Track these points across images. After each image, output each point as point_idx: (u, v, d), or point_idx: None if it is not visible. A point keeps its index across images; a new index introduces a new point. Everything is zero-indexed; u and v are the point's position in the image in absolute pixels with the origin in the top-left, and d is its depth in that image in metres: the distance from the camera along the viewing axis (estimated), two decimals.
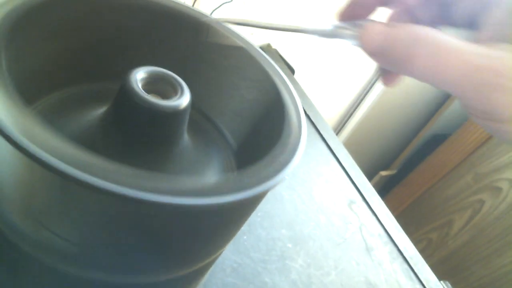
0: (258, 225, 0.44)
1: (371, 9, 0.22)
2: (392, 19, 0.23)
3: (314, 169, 0.57)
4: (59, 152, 0.16)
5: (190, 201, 0.18)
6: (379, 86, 1.05)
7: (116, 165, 0.17)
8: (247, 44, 0.32)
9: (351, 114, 1.11)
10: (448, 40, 0.16)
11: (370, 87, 1.06)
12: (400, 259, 0.52)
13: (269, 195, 0.48)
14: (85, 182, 0.16)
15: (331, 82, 0.99)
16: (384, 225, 0.55)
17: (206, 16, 0.32)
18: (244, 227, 0.42)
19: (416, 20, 0.22)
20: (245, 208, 0.24)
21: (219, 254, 0.30)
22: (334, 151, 0.62)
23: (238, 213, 0.24)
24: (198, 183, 0.20)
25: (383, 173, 1.43)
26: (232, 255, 0.39)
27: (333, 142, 0.64)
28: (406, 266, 0.52)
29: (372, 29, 0.19)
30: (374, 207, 0.57)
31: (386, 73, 0.23)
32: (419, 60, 0.17)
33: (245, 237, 0.41)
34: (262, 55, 0.32)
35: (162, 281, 0.26)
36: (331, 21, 0.22)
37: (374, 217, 0.56)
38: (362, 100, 1.08)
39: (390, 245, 0.53)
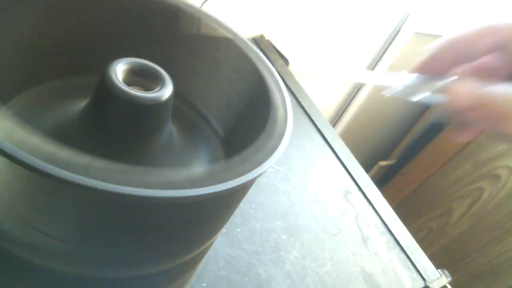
0: (252, 217, 0.43)
1: (448, 67, 0.22)
2: (464, 74, 0.23)
3: (309, 160, 0.56)
4: (38, 150, 0.16)
5: (172, 193, 0.18)
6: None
7: (97, 160, 0.17)
8: (235, 35, 0.32)
9: (348, 105, 1.10)
10: None
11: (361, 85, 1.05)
12: (397, 248, 0.52)
13: (262, 187, 0.48)
14: (62, 178, 0.16)
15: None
16: (381, 215, 0.55)
17: (195, 8, 0.32)
18: (237, 219, 0.42)
19: (489, 76, 0.22)
20: (231, 198, 0.24)
21: (210, 245, 0.29)
22: (330, 142, 0.62)
23: (224, 204, 0.24)
24: (181, 175, 0.20)
25: (382, 163, 1.42)
26: (226, 248, 0.39)
27: (329, 133, 0.63)
28: (403, 255, 0.51)
29: (465, 86, 0.19)
30: (371, 197, 0.56)
31: (462, 129, 0.23)
32: None
33: (238, 229, 0.41)
34: (249, 45, 0.31)
35: (154, 273, 0.26)
36: (412, 74, 0.22)
37: (370, 207, 0.55)
38: (358, 90, 1.07)
39: (387, 235, 0.53)
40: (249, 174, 0.20)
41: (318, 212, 0.49)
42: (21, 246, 0.22)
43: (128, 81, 0.24)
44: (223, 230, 0.32)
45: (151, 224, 0.21)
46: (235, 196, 0.24)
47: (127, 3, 0.30)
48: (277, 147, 0.22)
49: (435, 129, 1.25)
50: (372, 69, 1.03)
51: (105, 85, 0.23)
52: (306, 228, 0.46)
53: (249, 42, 0.32)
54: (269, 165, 0.21)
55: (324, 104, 1.06)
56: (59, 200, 0.19)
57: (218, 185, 0.18)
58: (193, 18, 0.32)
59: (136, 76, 0.24)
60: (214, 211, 0.24)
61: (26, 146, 0.16)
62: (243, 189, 0.23)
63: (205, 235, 0.26)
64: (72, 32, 0.28)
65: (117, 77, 0.23)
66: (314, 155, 0.58)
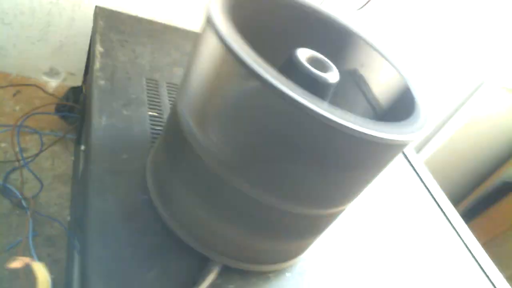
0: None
1: None
2: None
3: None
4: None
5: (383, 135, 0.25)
6: (451, 125, 1.06)
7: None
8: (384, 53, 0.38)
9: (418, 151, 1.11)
10: None
11: (441, 127, 1.07)
12: None
13: None
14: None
15: None
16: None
17: (351, 28, 0.39)
18: None
19: None
20: (390, 154, 0.30)
21: (344, 209, 0.35)
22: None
23: (385, 157, 0.30)
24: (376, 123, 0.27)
25: None
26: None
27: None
28: None
29: None
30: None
31: None
32: None
33: None
34: (395, 59, 0.38)
35: (303, 216, 0.32)
36: None
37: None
38: (431, 137, 1.09)
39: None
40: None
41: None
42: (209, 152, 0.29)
43: (308, 62, 0.31)
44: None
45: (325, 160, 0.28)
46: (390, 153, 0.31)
47: (303, 17, 0.38)
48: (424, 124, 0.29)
49: (506, 188, 1.21)
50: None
51: (292, 61, 0.30)
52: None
53: (393, 57, 0.37)
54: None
55: None
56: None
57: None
58: (349, 34, 0.38)
59: (313, 61, 0.32)
60: (372, 162, 0.30)
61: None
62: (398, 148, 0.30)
63: (351, 191, 0.33)
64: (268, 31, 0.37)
65: (302, 57, 0.30)
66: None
